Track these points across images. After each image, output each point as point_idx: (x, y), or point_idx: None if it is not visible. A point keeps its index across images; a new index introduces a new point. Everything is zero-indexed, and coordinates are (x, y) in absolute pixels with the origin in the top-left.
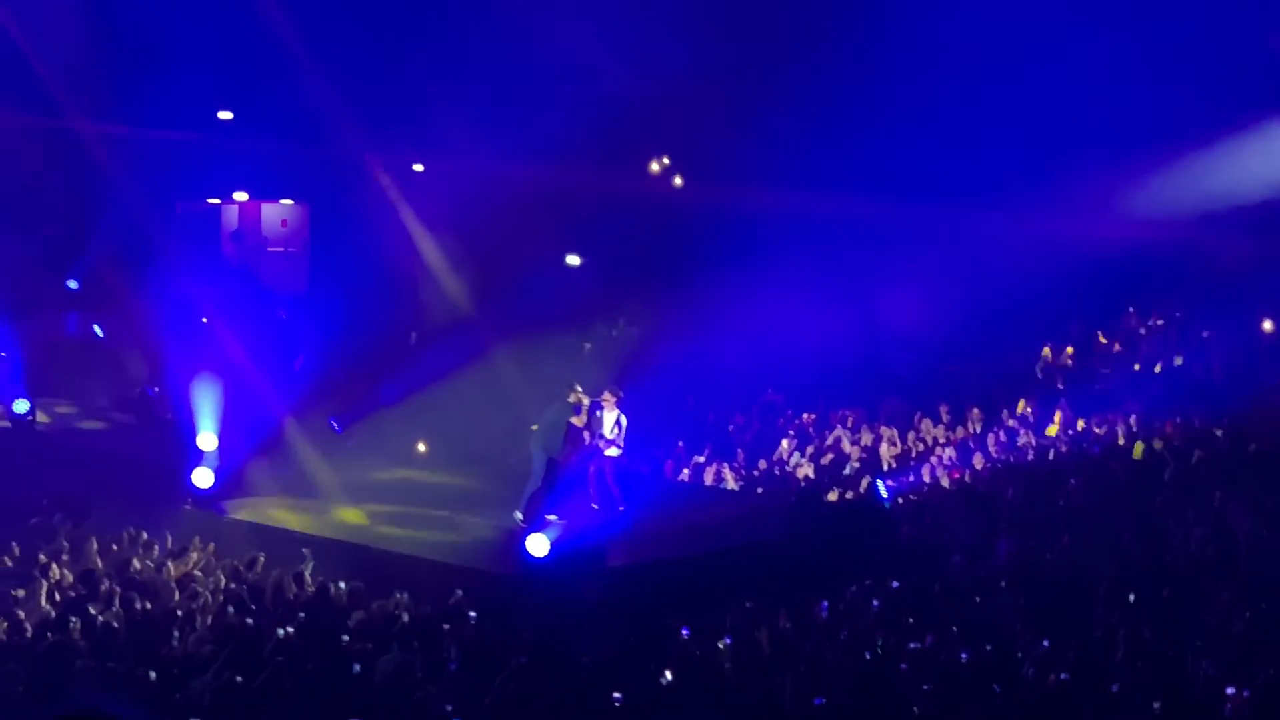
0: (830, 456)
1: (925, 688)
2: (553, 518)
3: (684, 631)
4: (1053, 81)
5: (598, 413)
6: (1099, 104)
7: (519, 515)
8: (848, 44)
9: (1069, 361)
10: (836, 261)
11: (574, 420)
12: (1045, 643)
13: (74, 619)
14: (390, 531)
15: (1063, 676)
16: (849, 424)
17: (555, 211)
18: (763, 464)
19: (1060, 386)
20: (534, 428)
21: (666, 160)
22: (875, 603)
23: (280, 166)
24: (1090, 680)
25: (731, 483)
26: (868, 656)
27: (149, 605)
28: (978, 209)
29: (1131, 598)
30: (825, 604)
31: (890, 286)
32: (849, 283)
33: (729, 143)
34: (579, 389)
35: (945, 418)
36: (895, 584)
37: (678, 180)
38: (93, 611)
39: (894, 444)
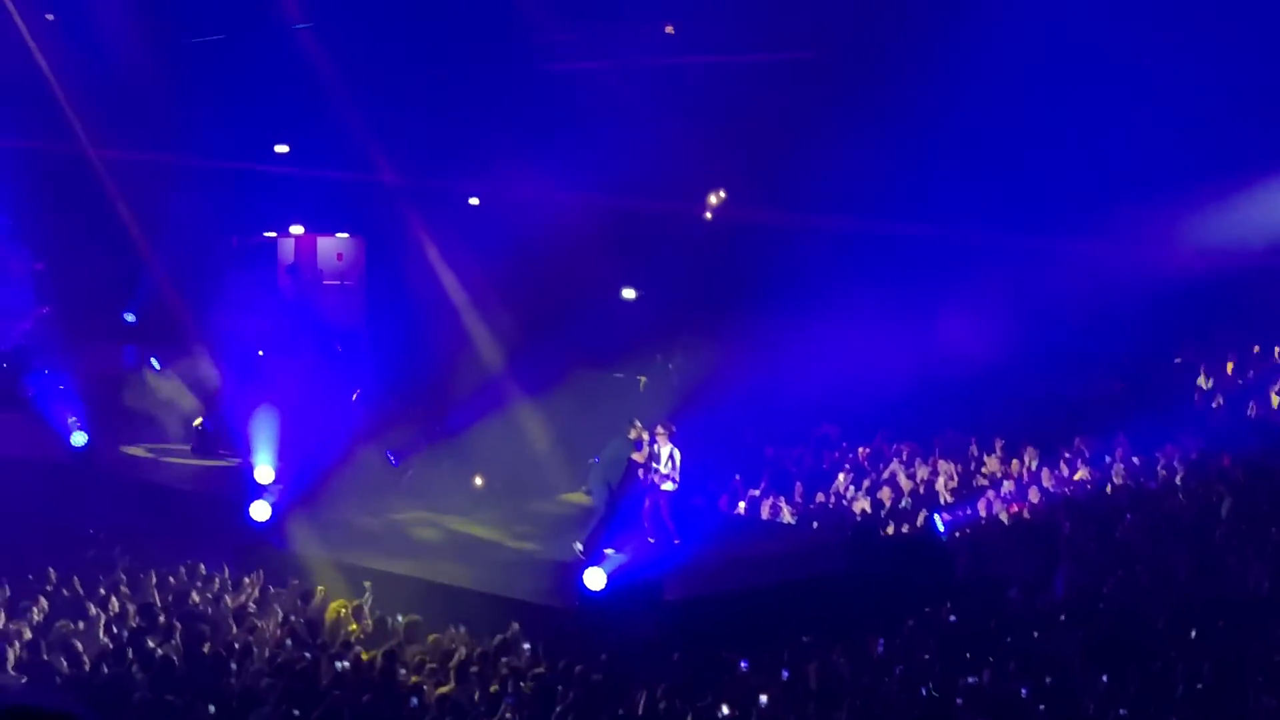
0: (886, 490)
1: None
2: (610, 551)
3: (743, 665)
4: (1118, 106)
5: (653, 447)
6: (1164, 129)
7: (579, 546)
8: (903, 69)
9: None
10: (891, 293)
11: (635, 456)
12: (1104, 678)
13: (132, 652)
14: (447, 565)
15: (1121, 713)
16: (904, 457)
17: (610, 244)
18: (819, 497)
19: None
20: (592, 462)
21: (723, 194)
22: (931, 638)
23: (336, 199)
24: (1149, 716)
25: (788, 516)
26: (924, 692)
27: (207, 638)
28: (1033, 237)
29: (1192, 633)
30: (881, 641)
31: (946, 318)
32: (904, 314)
33: (782, 172)
34: (639, 424)
35: (1000, 451)
36: (952, 618)
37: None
38: (151, 644)
39: (950, 477)
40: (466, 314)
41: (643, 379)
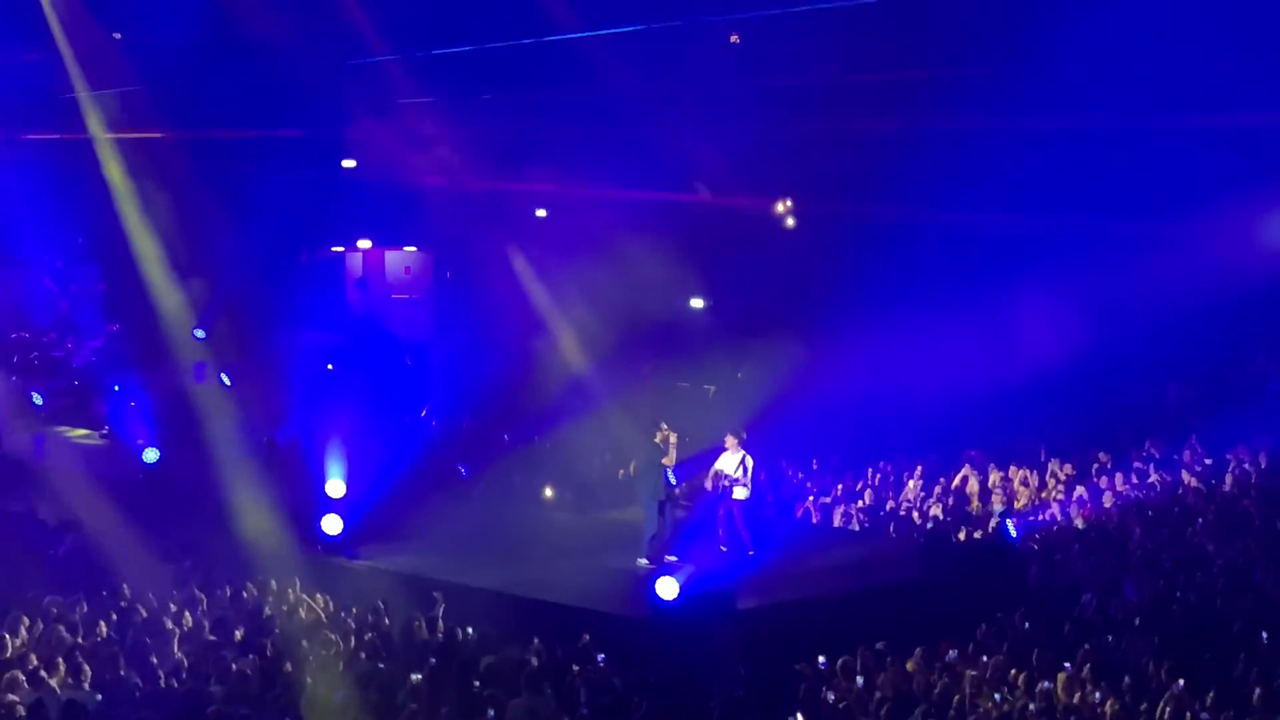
0: (958, 497)
1: None
2: (673, 559)
3: (821, 661)
4: (1185, 106)
5: (724, 454)
6: (1235, 128)
7: (643, 562)
8: (981, 66)
9: None
10: (961, 298)
11: (664, 460)
12: (1180, 682)
13: (207, 666)
14: (519, 575)
15: (1203, 717)
16: (976, 463)
17: (678, 253)
18: (890, 504)
19: None
20: (621, 474)
21: (789, 203)
22: (1005, 644)
23: (404, 213)
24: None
25: (860, 524)
26: (997, 698)
27: (281, 652)
28: (1103, 238)
29: (1264, 636)
30: (955, 651)
31: (1016, 323)
32: (975, 319)
33: (850, 178)
34: (665, 427)
35: (1072, 456)
36: (1026, 624)
37: (790, 220)
38: (226, 658)
39: (1023, 483)
40: (534, 326)
41: (711, 388)
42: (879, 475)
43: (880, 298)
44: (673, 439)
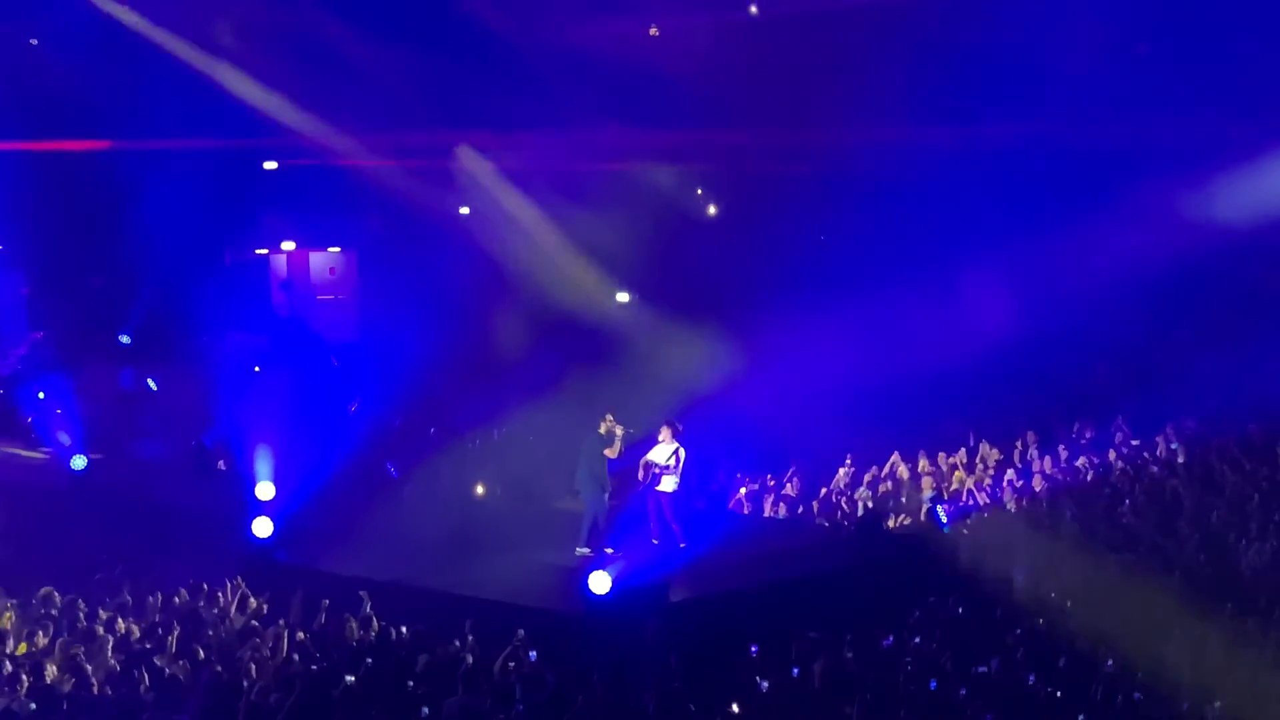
0: (888, 484)
1: (988, 717)
2: (610, 551)
3: (753, 649)
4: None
5: (657, 445)
6: (1160, 110)
7: (584, 550)
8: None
9: None
10: (884, 285)
11: (607, 452)
12: (1110, 662)
13: (140, 672)
14: (451, 573)
15: (1136, 696)
16: (905, 449)
17: (600, 246)
18: (822, 492)
19: None
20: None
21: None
22: (938, 629)
23: (327, 214)
24: (1161, 698)
25: (790, 513)
26: (933, 685)
27: (214, 656)
28: (1026, 223)
29: (1199, 613)
30: (890, 637)
31: (941, 309)
32: (900, 306)
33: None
34: (610, 418)
35: (1000, 440)
36: (959, 609)
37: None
38: (159, 664)
39: (953, 468)
40: (460, 323)
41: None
42: (808, 463)
43: (808, 285)
44: (619, 431)
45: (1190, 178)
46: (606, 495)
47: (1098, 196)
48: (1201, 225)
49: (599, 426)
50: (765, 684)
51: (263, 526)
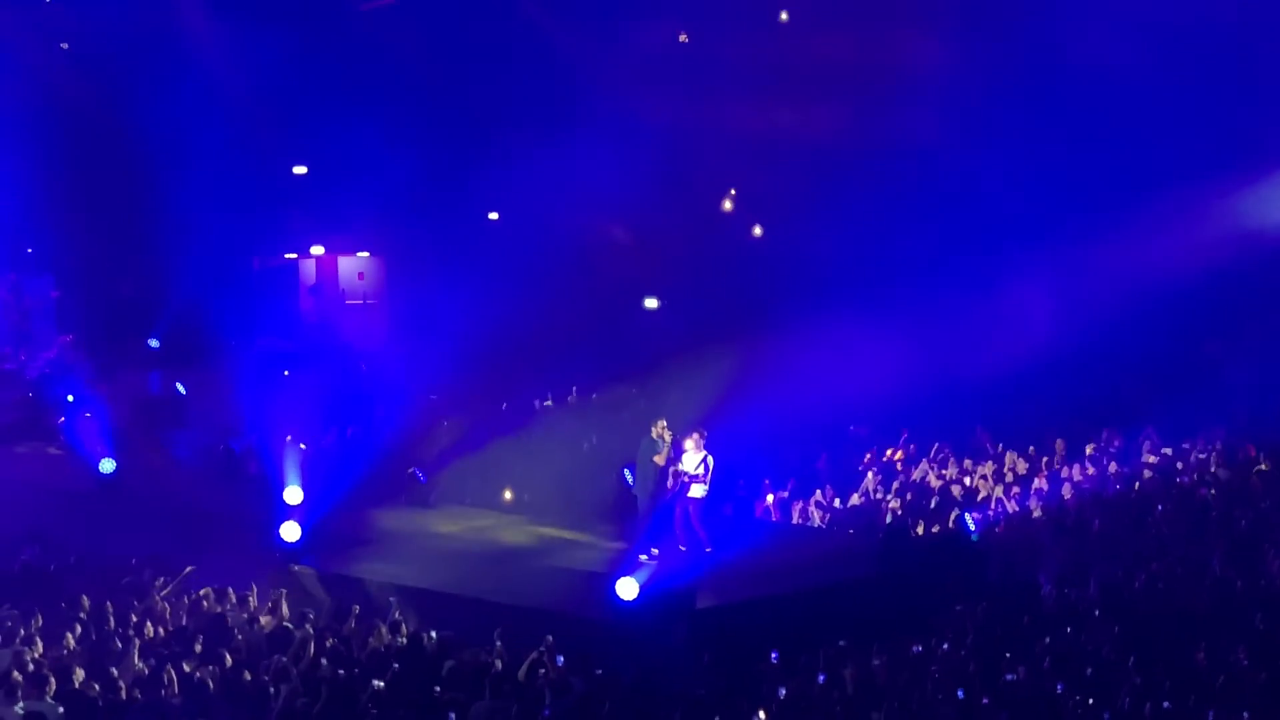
0: (916, 491)
1: None
2: (644, 558)
3: (773, 656)
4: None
5: (683, 452)
6: (1184, 121)
7: (654, 551)
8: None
9: None
10: (916, 294)
11: (655, 459)
12: (1140, 672)
13: (168, 676)
14: (479, 579)
15: (1165, 705)
16: (934, 457)
17: (633, 251)
18: (852, 499)
19: None
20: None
21: (734, 192)
22: (966, 638)
23: (357, 219)
24: (1189, 708)
25: (818, 520)
26: (960, 694)
27: (243, 660)
28: (1059, 235)
29: (1227, 623)
30: (918, 646)
31: (972, 318)
32: (930, 314)
33: (806, 176)
34: (662, 423)
35: (1030, 449)
36: (987, 618)
37: (757, 230)
38: (187, 668)
39: (981, 477)
40: (492, 329)
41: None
42: (837, 471)
43: (836, 297)
44: (667, 437)
45: (1223, 185)
46: (654, 500)
47: (1129, 204)
48: (1233, 233)
49: (651, 431)
50: (783, 691)
51: (291, 531)
